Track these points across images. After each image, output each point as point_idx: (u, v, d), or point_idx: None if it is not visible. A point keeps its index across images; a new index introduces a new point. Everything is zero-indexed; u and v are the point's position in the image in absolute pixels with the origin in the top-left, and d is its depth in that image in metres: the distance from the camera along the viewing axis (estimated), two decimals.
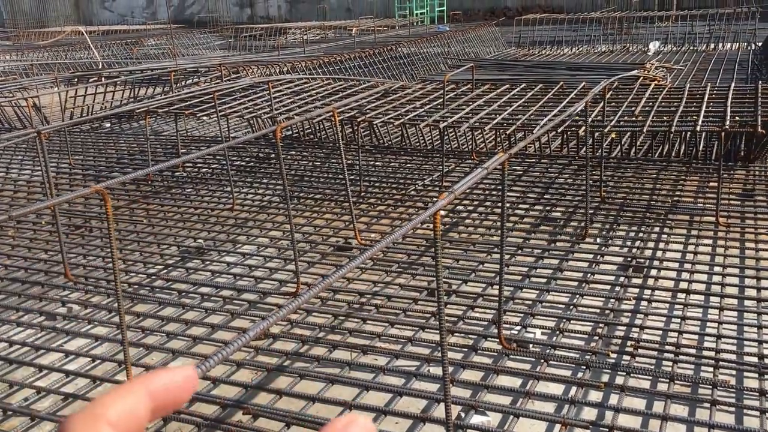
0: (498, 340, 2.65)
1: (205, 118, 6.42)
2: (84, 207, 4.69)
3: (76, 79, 7.88)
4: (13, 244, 4.02)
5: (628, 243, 3.66)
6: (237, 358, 2.67)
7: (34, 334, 2.96)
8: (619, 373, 2.46)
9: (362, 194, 4.62)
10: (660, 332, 2.74)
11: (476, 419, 2.24)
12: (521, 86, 5.63)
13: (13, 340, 2.89)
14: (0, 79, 8.46)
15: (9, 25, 22.58)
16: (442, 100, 5.07)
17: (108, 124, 7.53)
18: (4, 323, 3.06)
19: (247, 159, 5.74)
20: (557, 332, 2.75)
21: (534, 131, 3.31)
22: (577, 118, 4.38)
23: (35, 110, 7.13)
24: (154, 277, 3.49)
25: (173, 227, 4.21)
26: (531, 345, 2.68)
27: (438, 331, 2.70)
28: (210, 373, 2.55)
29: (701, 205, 4.14)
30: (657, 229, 3.81)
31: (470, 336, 2.78)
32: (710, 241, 3.61)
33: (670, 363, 2.50)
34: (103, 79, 7.58)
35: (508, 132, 4.47)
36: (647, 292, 3.08)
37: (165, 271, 3.57)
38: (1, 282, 3.51)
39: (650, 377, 2.44)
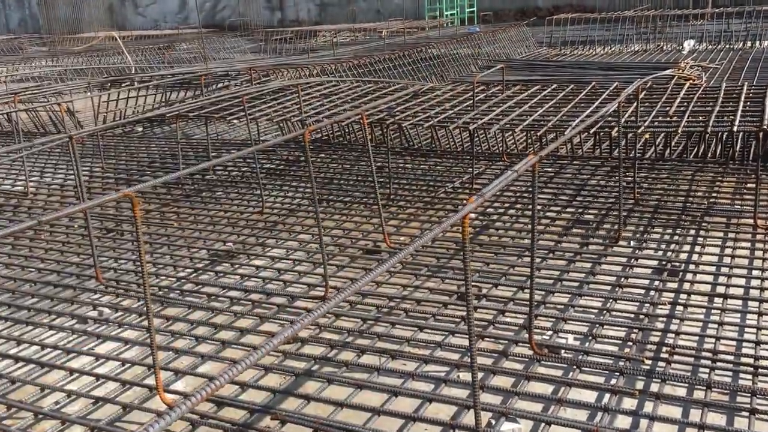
0: (529, 345, 2.61)
1: (235, 121, 6.45)
2: (115, 210, 4.74)
3: (108, 84, 7.99)
4: (46, 248, 4.08)
5: (663, 246, 3.58)
6: (265, 362, 2.66)
7: (66, 337, 2.99)
8: (654, 380, 2.40)
9: (391, 197, 4.60)
10: (696, 338, 2.66)
11: (507, 426, 2.20)
12: (552, 87, 5.56)
13: (45, 343, 2.92)
14: (35, 84, 8.62)
15: (45, 31, 23.06)
16: (472, 101, 5.02)
17: (140, 128, 7.63)
18: (37, 326, 3.09)
19: (276, 162, 5.76)
20: (590, 338, 2.70)
21: (566, 132, 3.26)
22: (609, 118, 4.30)
23: (69, 115, 7.25)
24: (183, 280, 3.51)
25: (203, 230, 4.23)
26: (563, 350, 2.62)
27: (467, 336, 2.66)
28: (238, 377, 2.54)
29: (738, 207, 4.03)
30: (693, 231, 3.72)
31: (501, 341, 2.73)
32: (748, 244, 3.51)
33: (707, 370, 2.43)
34: (135, 83, 7.67)
35: (539, 133, 4.41)
36: (683, 296, 3.00)
37: (194, 274, 3.59)
38: (34, 285, 3.55)
39: (686, 385, 2.37)
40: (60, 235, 4.30)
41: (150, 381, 2.54)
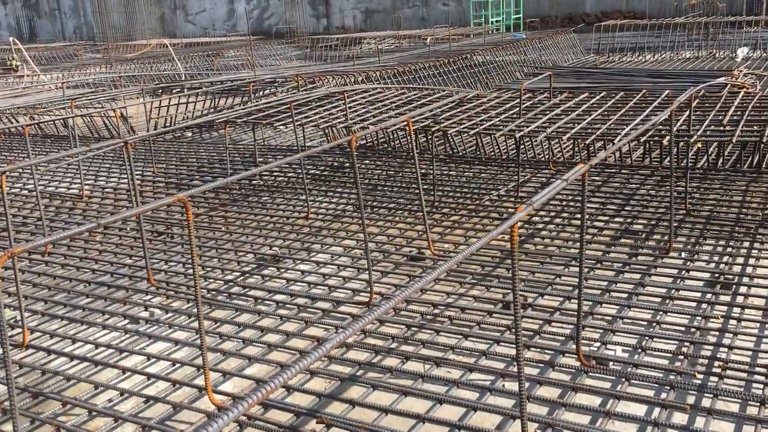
0: (576, 356, 2.57)
1: (281, 127, 6.54)
2: (166, 214, 4.84)
3: (160, 91, 8.19)
4: (100, 249, 4.19)
5: (716, 258, 3.50)
6: (311, 366, 2.69)
7: (118, 337, 3.07)
8: (705, 395, 2.35)
9: (436, 204, 4.59)
10: (750, 353, 2.60)
11: None
12: (601, 95, 5.49)
13: (98, 342, 3.00)
14: (90, 90, 8.87)
15: (99, 39, 23.73)
16: (518, 109, 5.00)
17: (189, 134, 7.79)
18: (91, 326, 3.18)
19: (321, 168, 5.81)
20: (639, 350, 2.65)
21: (616, 141, 3.22)
22: (660, 127, 4.23)
23: (122, 120, 7.44)
24: (231, 283, 3.57)
25: (250, 235, 4.29)
26: (611, 362, 2.59)
27: (514, 345, 2.64)
28: None
29: None
30: (747, 243, 3.62)
31: (547, 351, 2.71)
32: None
33: (761, 386, 2.37)
34: (185, 90, 7.84)
35: (587, 142, 4.36)
36: (736, 310, 2.93)
37: (242, 277, 3.64)
38: (89, 286, 3.66)
39: (739, 400, 2.31)
40: (113, 238, 4.42)
41: (199, 381, 2.59)
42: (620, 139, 2.96)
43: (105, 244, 4.31)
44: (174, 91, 7.81)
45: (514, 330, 1.87)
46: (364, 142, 6.57)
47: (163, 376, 2.68)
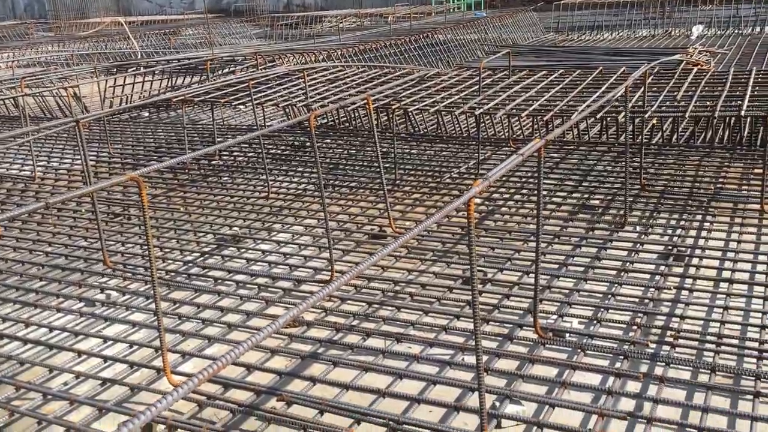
0: (534, 329, 2.61)
1: (241, 107, 6.45)
2: (123, 195, 4.76)
3: (115, 69, 7.99)
4: (54, 232, 4.10)
5: (669, 231, 3.57)
6: (271, 345, 2.68)
7: (74, 320, 3.02)
8: (658, 363, 2.41)
9: (397, 182, 4.60)
10: (701, 322, 2.67)
11: (511, 409, 2.21)
12: (559, 72, 5.53)
13: (53, 326, 2.95)
14: (41, 70, 8.63)
15: (51, 17, 23.04)
16: (478, 87, 5.01)
17: (146, 114, 7.63)
18: (45, 309, 3.12)
19: (282, 147, 5.76)
20: (595, 322, 2.70)
21: (572, 117, 3.25)
22: (616, 103, 4.29)
23: (75, 100, 7.26)
24: (190, 264, 3.53)
25: (209, 215, 4.24)
26: (567, 334, 2.63)
27: (472, 320, 2.67)
28: (244, 359, 2.57)
29: (745, 192, 4.02)
30: (699, 216, 3.71)
31: (505, 325, 2.74)
32: (755, 229, 3.50)
33: (712, 354, 2.44)
34: (141, 68, 7.67)
35: (545, 119, 4.40)
36: (688, 281, 3.00)
37: (201, 258, 3.60)
38: (42, 269, 3.58)
39: (690, 368, 2.38)
40: (68, 219, 4.33)
41: (157, 363, 2.56)
42: (577, 116, 2.99)
43: (59, 226, 4.21)
44: (129, 70, 7.64)
45: (472, 305, 1.89)
46: (325, 120, 6.53)
47: (120, 358, 2.64)
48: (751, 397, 2.18)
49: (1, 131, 6.98)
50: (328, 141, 5.84)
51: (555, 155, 5.01)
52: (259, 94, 5.31)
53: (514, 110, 4.45)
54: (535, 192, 4.25)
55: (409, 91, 5.15)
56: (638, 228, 3.62)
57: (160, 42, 13.41)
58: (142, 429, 2.19)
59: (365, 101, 3.72)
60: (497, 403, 2.25)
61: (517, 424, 2.16)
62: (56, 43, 13.00)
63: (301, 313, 1.38)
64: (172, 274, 3.42)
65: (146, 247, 3.78)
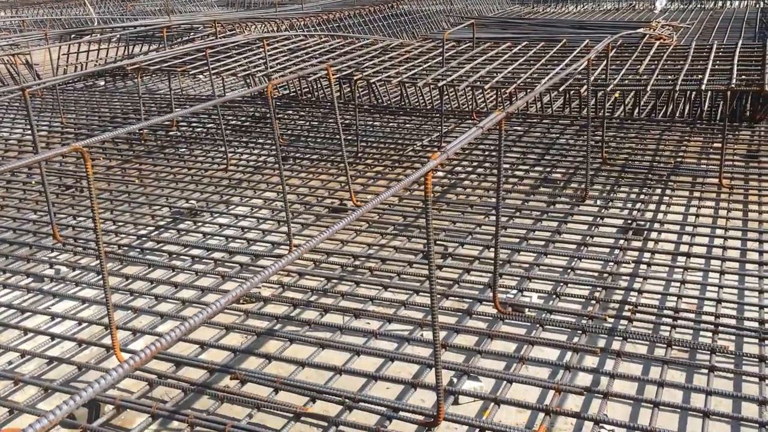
0: (493, 303, 2.59)
1: (201, 77, 6.29)
2: (75, 167, 4.60)
3: (70, 36, 7.71)
4: (1, 205, 3.95)
5: (629, 205, 3.58)
6: (226, 321, 2.62)
7: (21, 296, 2.91)
8: (615, 338, 2.41)
9: (359, 155, 4.52)
10: (659, 296, 2.68)
11: (468, 385, 2.19)
12: (523, 44, 5.49)
13: None
14: None
15: None
16: (441, 58, 4.94)
17: (102, 83, 7.40)
18: None
19: (243, 119, 5.63)
20: (554, 296, 2.69)
21: (534, 90, 3.20)
22: (579, 77, 4.26)
23: (27, 67, 6.99)
24: (144, 238, 3.43)
25: (165, 188, 4.13)
26: (527, 309, 2.62)
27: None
28: (198, 336, 2.50)
29: (704, 166, 4.05)
30: (659, 191, 3.72)
31: (465, 300, 2.72)
32: (713, 204, 3.52)
33: (668, 328, 2.45)
34: (95, 35, 7.42)
35: (508, 91, 4.36)
36: (647, 255, 3.01)
37: (156, 232, 3.50)
38: None
39: (647, 342, 2.39)
40: (17, 192, 4.17)
41: (107, 341, 2.48)
42: (538, 89, 2.94)
43: (7, 198, 4.06)
44: (75, 37, 7.37)
45: (429, 281, 1.84)
46: (287, 92, 6.40)
47: (69, 336, 2.55)
48: (706, 371, 2.20)
49: None
50: (290, 113, 5.72)
51: (518, 128, 4.98)
52: (218, 63, 5.17)
53: (477, 82, 4.39)
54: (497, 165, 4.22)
55: (372, 62, 5.05)
56: (599, 202, 3.62)
57: (117, 9, 13.00)
58: (90, 410, 2.12)
59: (326, 70, 3.63)
60: (455, 380, 2.22)
61: (474, 401, 2.14)
62: (8, 9, 12.51)
63: (252, 288, 1.33)
64: (125, 248, 3.32)
65: (99, 220, 3.66)
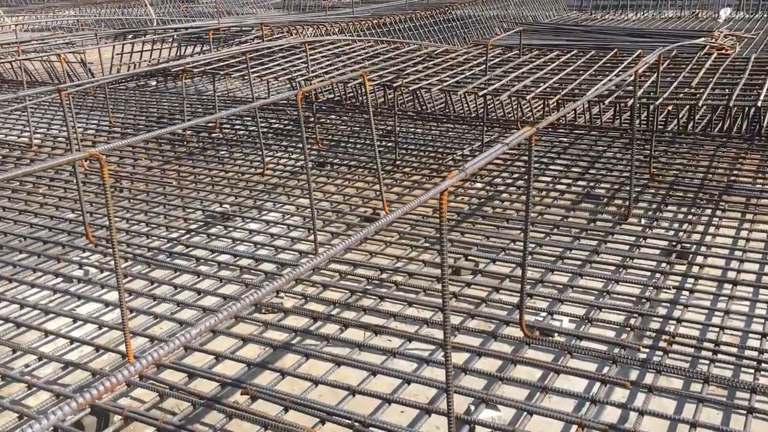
0: (519, 326, 2.47)
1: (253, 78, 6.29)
2: (118, 166, 4.65)
3: (124, 36, 7.86)
4: (42, 203, 4.01)
5: (675, 226, 3.39)
6: (244, 332, 2.57)
7: (48, 297, 2.92)
8: (648, 370, 2.26)
9: (397, 163, 4.44)
10: (699, 327, 2.51)
11: (486, 414, 2.08)
12: (572, 53, 5.32)
13: (25, 302, 2.85)
14: (49, 34, 8.51)
15: None
16: (485, 66, 4.82)
17: (154, 83, 7.51)
18: (21, 284, 3.02)
19: (285, 122, 5.62)
20: (586, 321, 2.55)
21: (576, 102, 3.06)
22: (630, 88, 4.09)
23: (82, 66, 7.15)
24: (175, 242, 3.41)
25: (202, 190, 4.12)
26: (555, 334, 2.49)
27: (459, 313, 2.53)
28: (215, 347, 2.46)
29: (759, 186, 3.82)
30: (708, 211, 3.52)
31: (492, 320, 2.60)
32: (766, 227, 3.31)
33: (707, 362, 2.28)
34: (148, 36, 7.54)
35: (553, 100, 4.21)
36: (690, 281, 2.84)
37: (187, 236, 3.49)
38: (24, 241, 3.48)
39: (683, 377, 2.23)
40: (58, 190, 4.23)
41: (123, 348, 2.46)
42: (579, 102, 2.81)
43: (48, 197, 4.12)
44: (129, 37, 7.49)
45: (442, 305, 1.74)
46: (332, 96, 6.37)
47: (87, 340, 2.54)
48: (744, 412, 2.03)
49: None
50: (333, 117, 5.68)
51: (564, 139, 4.82)
52: (260, 66, 5.16)
53: (521, 92, 4.26)
54: (540, 177, 4.08)
55: (415, 68, 4.97)
56: (643, 221, 3.45)
57: (177, 10, 13.25)
58: (99, 420, 2.09)
59: (361, 76, 3.57)
60: (472, 407, 2.12)
61: (490, 431, 2.03)
62: (72, 8, 12.88)
63: (259, 300, 1.27)
64: (155, 251, 3.31)
65: (132, 222, 3.68)
